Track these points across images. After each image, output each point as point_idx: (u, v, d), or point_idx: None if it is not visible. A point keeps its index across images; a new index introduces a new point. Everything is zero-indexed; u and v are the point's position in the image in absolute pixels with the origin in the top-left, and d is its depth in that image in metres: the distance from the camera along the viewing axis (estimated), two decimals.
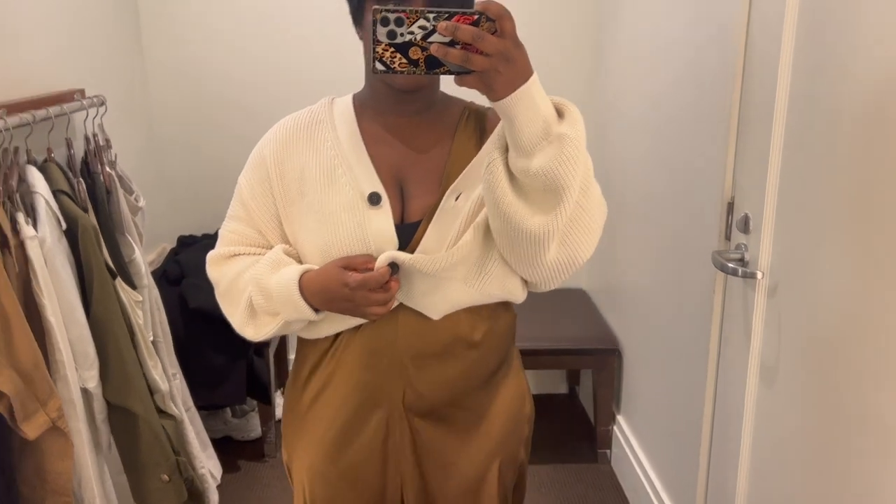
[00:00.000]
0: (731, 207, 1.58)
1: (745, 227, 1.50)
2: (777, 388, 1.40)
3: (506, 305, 1.26)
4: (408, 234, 1.13)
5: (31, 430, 1.34)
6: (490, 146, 1.04)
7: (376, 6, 0.90)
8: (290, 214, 1.17)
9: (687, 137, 1.90)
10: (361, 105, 1.21)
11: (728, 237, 1.60)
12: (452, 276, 1.12)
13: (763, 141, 1.40)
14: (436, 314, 1.15)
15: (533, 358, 2.52)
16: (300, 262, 1.16)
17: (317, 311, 1.12)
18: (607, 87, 2.64)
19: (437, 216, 1.12)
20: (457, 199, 1.13)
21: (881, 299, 1.08)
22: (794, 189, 1.33)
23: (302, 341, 1.26)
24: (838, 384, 1.19)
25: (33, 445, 1.41)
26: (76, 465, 1.51)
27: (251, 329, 1.17)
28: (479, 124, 1.20)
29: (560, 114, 0.99)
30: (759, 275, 1.44)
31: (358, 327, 1.17)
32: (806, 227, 1.29)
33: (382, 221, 1.12)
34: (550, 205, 0.99)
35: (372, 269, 1.08)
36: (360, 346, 1.17)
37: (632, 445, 2.41)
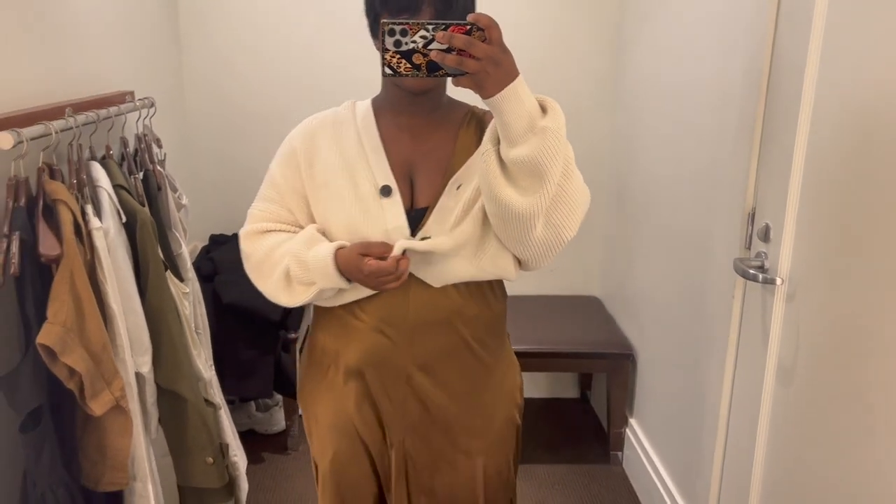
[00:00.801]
0: (751, 217, 1.68)
1: (765, 236, 1.59)
2: (794, 389, 1.49)
3: (497, 295, 1.43)
4: (416, 218, 1.31)
5: (97, 407, 1.43)
6: (485, 139, 1.21)
7: (384, 20, 1.10)
8: (317, 199, 1.35)
9: (709, 147, 1.99)
10: (379, 107, 1.39)
11: (749, 246, 1.70)
12: (456, 254, 1.30)
13: (786, 153, 1.49)
14: (438, 283, 1.33)
15: (549, 360, 2.62)
16: (330, 239, 1.34)
17: (349, 280, 1.30)
18: (628, 96, 2.73)
19: (439, 203, 1.31)
20: (458, 188, 1.31)
21: (894, 307, 1.17)
22: (813, 201, 1.43)
23: (319, 309, 1.44)
24: (853, 387, 1.29)
25: (96, 422, 1.50)
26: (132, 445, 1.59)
27: (285, 296, 1.35)
28: (480, 125, 1.37)
29: (543, 109, 1.16)
30: (779, 281, 1.53)
31: (372, 297, 1.35)
32: (824, 237, 1.38)
33: (396, 210, 1.30)
34: (535, 188, 1.17)
35: (387, 257, 1.25)
36: (374, 314, 1.35)
37: (644, 448, 2.50)
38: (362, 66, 2.73)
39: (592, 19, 2.85)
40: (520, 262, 1.35)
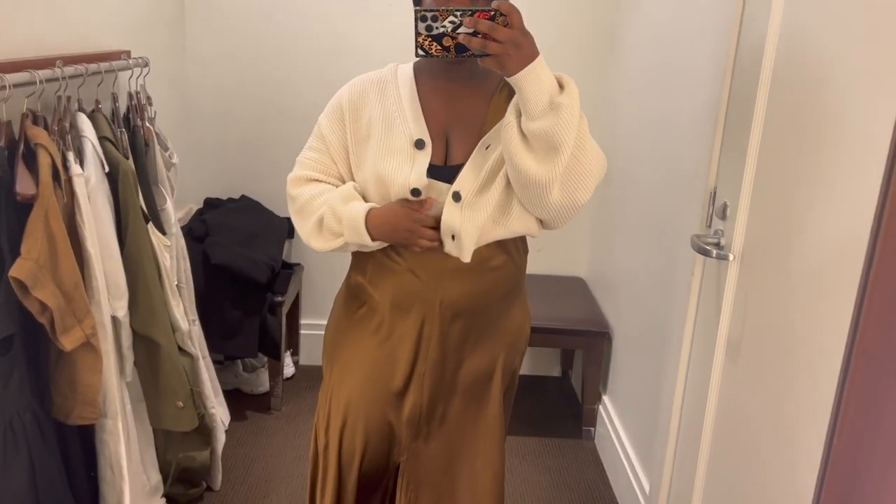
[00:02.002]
0: (713, 197, 1.72)
1: (723, 214, 1.63)
2: (739, 364, 1.54)
3: (520, 249, 1.56)
4: (450, 173, 1.43)
5: (67, 342, 1.51)
6: (508, 111, 1.34)
7: (417, 7, 1.25)
8: (358, 151, 1.48)
9: (681, 130, 2.04)
10: (419, 71, 1.51)
11: (709, 225, 1.74)
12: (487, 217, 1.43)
13: (743, 131, 1.54)
14: (472, 250, 1.46)
15: (531, 335, 2.66)
16: (363, 191, 1.47)
17: (373, 241, 1.43)
18: (614, 81, 2.78)
19: (471, 160, 1.42)
20: (486, 148, 1.42)
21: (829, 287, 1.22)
22: (766, 179, 1.47)
23: (357, 254, 1.56)
24: (792, 363, 1.33)
25: (68, 358, 1.57)
26: (103, 382, 1.67)
27: (317, 242, 1.48)
28: (512, 92, 1.44)
29: (561, 86, 1.29)
30: (731, 257, 1.57)
31: (405, 248, 1.47)
32: (773, 214, 1.42)
33: (422, 162, 1.42)
34: (550, 158, 1.30)
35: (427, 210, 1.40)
36: (409, 258, 1.47)
37: (614, 423, 2.55)
38: (368, 33, 2.80)
39: (591, 9, 2.89)
40: (542, 222, 1.46)
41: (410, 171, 1.41)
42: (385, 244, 1.47)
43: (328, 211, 1.44)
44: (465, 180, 1.41)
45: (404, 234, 1.41)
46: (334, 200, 1.44)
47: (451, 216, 1.41)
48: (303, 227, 1.50)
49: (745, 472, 1.49)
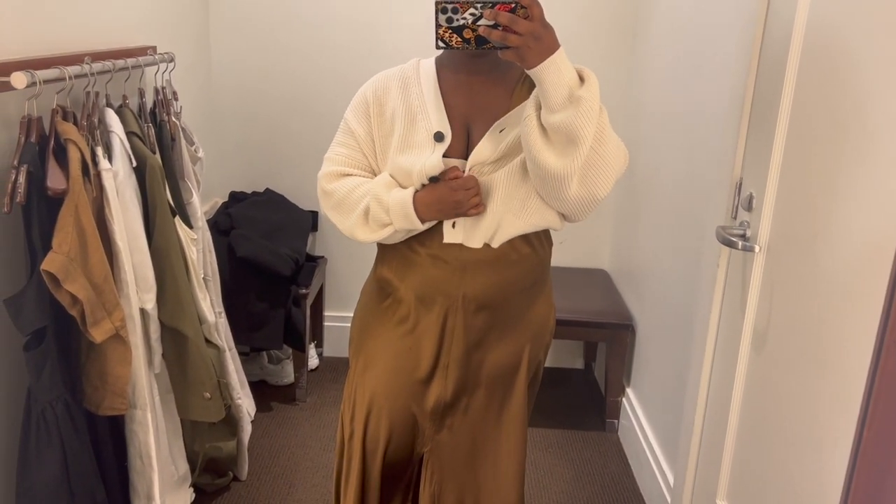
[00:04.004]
0: (738, 187, 1.71)
1: (748, 205, 1.62)
2: (765, 355, 1.53)
3: (542, 242, 1.55)
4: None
5: (98, 334, 1.54)
6: (528, 104, 1.33)
7: (438, 0, 1.24)
8: (384, 144, 1.49)
9: (706, 120, 2.02)
10: (441, 65, 1.50)
11: (735, 216, 1.73)
12: (505, 213, 1.44)
13: (770, 121, 1.52)
14: (495, 243, 1.47)
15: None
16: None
17: (423, 223, 1.44)
18: (637, 74, 2.76)
19: (485, 139, 1.43)
20: (501, 131, 1.43)
21: (857, 281, 1.21)
22: (793, 172, 1.45)
23: (382, 245, 1.57)
24: (819, 353, 1.32)
25: (98, 350, 1.61)
26: (132, 374, 1.70)
27: (362, 232, 1.48)
28: (533, 85, 1.43)
29: (581, 79, 1.28)
30: (757, 248, 1.56)
31: (433, 235, 1.47)
32: (800, 206, 1.41)
33: (439, 152, 1.43)
34: (569, 151, 1.29)
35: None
36: (431, 254, 1.48)
37: (637, 416, 2.54)
38: (390, 30, 2.80)
39: (611, 13, 2.87)
40: (563, 215, 1.47)
41: (426, 160, 1.42)
42: (432, 222, 1.46)
43: (373, 201, 1.44)
44: (481, 153, 1.42)
45: (453, 205, 1.41)
46: (378, 190, 1.45)
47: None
48: (344, 221, 1.50)
49: (770, 464, 1.48)
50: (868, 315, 1.14)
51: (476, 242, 1.47)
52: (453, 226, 1.46)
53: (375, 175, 1.52)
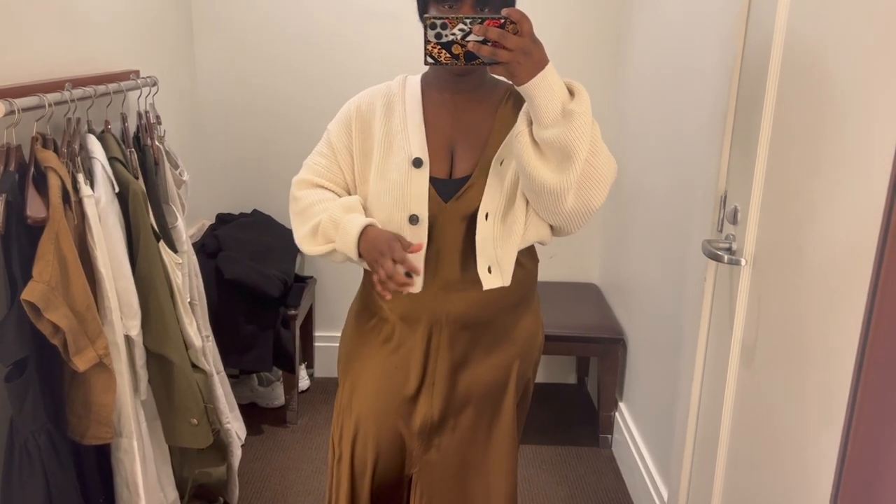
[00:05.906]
0: (723, 201, 1.71)
1: (734, 218, 1.62)
2: (754, 369, 1.52)
3: (529, 258, 1.55)
4: (454, 187, 1.43)
5: (81, 363, 1.52)
6: (519, 120, 1.32)
7: (426, 15, 1.23)
8: (361, 163, 1.48)
9: (691, 134, 2.03)
10: (426, 84, 1.50)
11: (721, 229, 1.72)
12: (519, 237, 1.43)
13: (752, 134, 1.52)
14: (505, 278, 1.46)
15: (545, 343, 2.66)
16: (364, 206, 1.47)
17: (360, 256, 1.40)
18: (624, 89, 2.77)
19: (489, 180, 1.41)
20: (501, 164, 1.41)
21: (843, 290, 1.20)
22: (776, 184, 1.45)
23: (368, 272, 1.54)
24: (807, 363, 1.31)
25: (82, 379, 1.58)
26: (117, 402, 1.68)
27: (309, 245, 1.46)
28: (518, 102, 1.43)
29: (571, 93, 1.27)
30: (743, 262, 1.56)
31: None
32: (784, 218, 1.41)
33: (420, 181, 1.41)
34: (565, 166, 1.28)
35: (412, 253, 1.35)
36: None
37: (631, 430, 2.53)
38: (375, 48, 2.81)
39: (596, 16, 2.88)
40: (553, 228, 1.47)
41: (409, 190, 1.40)
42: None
43: (326, 217, 1.43)
44: (491, 201, 1.40)
45: (374, 257, 1.34)
46: (336, 208, 1.44)
47: (485, 242, 1.41)
48: (300, 229, 1.49)
49: (762, 477, 1.47)
50: (850, 326, 1.13)
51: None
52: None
53: (347, 191, 1.51)
